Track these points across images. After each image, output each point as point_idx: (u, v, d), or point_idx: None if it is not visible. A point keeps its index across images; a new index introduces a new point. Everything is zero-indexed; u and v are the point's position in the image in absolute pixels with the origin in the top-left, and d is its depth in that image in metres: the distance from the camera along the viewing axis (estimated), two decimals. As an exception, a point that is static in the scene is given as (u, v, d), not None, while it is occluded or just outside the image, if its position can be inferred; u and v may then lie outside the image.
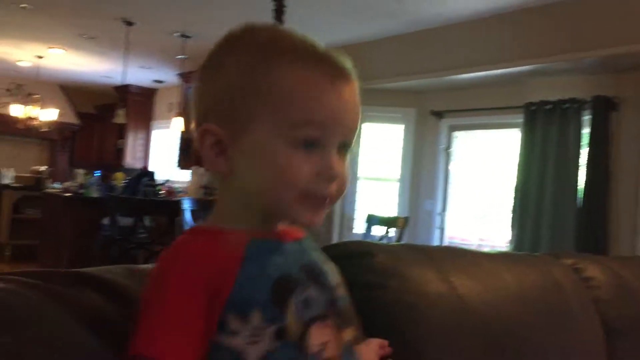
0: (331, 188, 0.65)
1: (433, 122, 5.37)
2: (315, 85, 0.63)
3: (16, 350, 0.56)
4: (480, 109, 4.92)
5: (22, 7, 5.22)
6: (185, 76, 7.18)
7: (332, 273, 0.71)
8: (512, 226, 4.48)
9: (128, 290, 0.73)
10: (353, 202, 5.69)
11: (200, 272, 0.60)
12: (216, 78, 0.66)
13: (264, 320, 0.60)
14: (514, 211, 4.47)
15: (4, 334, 0.57)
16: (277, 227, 0.69)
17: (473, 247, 4.56)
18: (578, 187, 4.10)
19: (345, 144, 0.67)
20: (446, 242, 5.27)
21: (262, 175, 0.63)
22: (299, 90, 0.63)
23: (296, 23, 4.68)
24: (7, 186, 6.90)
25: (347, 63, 0.67)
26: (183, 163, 7.90)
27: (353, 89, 0.66)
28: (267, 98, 0.63)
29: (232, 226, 0.65)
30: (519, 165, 4.46)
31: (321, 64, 0.64)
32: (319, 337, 0.63)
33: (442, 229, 5.34)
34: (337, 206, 5.59)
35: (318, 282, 0.66)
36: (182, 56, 6.14)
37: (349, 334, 0.68)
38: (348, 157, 0.68)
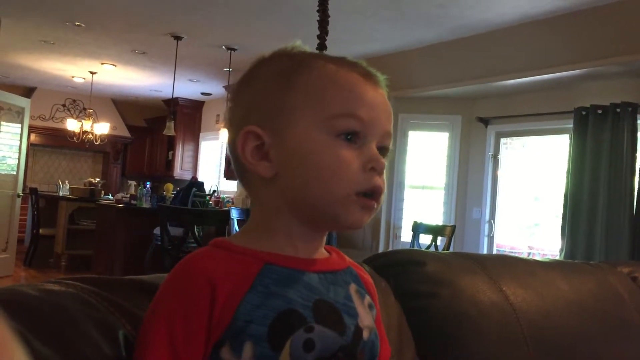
0: (379, 181, 0.62)
1: (480, 128, 5.30)
2: (352, 80, 0.63)
3: (70, 353, 0.57)
4: (528, 115, 4.83)
5: (76, 25, 5.44)
6: (231, 88, 7.31)
7: (365, 314, 0.65)
8: (563, 234, 4.36)
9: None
10: (400, 210, 5.66)
11: (205, 293, 0.57)
12: (254, 83, 0.66)
13: (254, 357, 0.56)
14: (564, 219, 4.36)
15: (61, 336, 0.58)
16: (315, 250, 0.66)
17: (524, 256, 4.46)
18: (634, 194, 3.97)
19: (383, 147, 0.65)
20: (494, 251, 5.17)
21: (310, 171, 0.61)
22: (338, 84, 0.63)
23: (340, 33, 4.73)
24: (63, 198, 7.16)
25: (377, 73, 0.67)
26: (229, 173, 8.04)
27: (384, 95, 0.66)
28: (308, 94, 0.62)
29: (255, 245, 0.62)
30: (570, 171, 4.35)
31: (354, 66, 0.65)
32: None
33: (490, 237, 5.25)
34: (384, 214, 5.57)
35: (330, 323, 0.60)
36: (228, 69, 6.26)
37: None
38: (386, 163, 0.66)
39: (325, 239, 0.68)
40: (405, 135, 5.57)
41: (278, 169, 0.62)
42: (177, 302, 0.58)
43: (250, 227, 0.66)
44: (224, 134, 6.53)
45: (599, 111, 4.20)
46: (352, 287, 0.66)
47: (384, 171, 0.64)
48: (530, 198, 5.15)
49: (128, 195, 6.53)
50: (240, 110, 0.66)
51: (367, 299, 0.68)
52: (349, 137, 0.61)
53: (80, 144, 8.35)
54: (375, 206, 0.63)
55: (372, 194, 0.62)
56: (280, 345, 0.56)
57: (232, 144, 0.66)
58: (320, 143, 0.61)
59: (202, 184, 6.26)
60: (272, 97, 0.63)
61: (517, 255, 1.69)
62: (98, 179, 8.27)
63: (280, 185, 0.62)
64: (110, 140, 9.22)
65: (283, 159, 0.62)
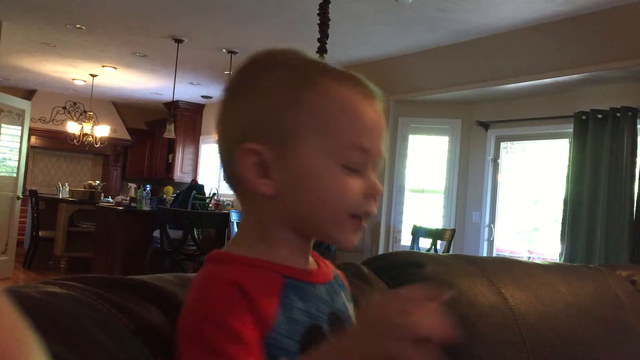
0: (374, 207, 0.64)
1: (480, 132, 5.30)
2: (357, 105, 0.63)
3: (70, 355, 0.57)
4: (528, 119, 4.83)
5: (77, 28, 5.45)
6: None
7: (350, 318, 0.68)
8: (562, 239, 4.36)
9: (177, 297, 0.76)
10: (399, 213, 5.66)
11: (246, 308, 0.57)
12: (253, 96, 0.64)
13: None
14: (564, 223, 4.36)
15: (59, 339, 0.58)
16: (308, 260, 0.67)
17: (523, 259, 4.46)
18: (633, 198, 3.97)
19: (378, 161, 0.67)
20: (494, 255, 5.17)
21: (311, 195, 0.62)
22: (345, 111, 0.62)
23: (341, 37, 4.74)
24: (63, 200, 7.16)
25: (372, 85, 0.67)
26: (230, 176, 8.03)
27: (381, 111, 0.66)
28: (314, 116, 0.62)
29: (261, 256, 0.63)
30: (569, 176, 4.35)
31: (356, 84, 0.64)
32: None
33: (490, 242, 5.25)
34: (383, 218, 5.57)
35: (342, 330, 0.64)
36: (229, 72, 6.27)
37: None
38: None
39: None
40: (405, 139, 5.58)
41: (280, 189, 0.62)
42: (221, 307, 0.57)
43: (245, 237, 0.66)
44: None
45: (599, 116, 4.20)
46: (344, 295, 0.69)
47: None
48: (530, 202, 5.15)
49: (128, 198, 6.53)
50: (237, 124, 0.65)
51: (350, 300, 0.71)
52: (353, 166, 0.62)
53: (80, 147, 8.35)
54: (364, 225, 0.65)
55: (362, 217, 0.64)
56: None
57: (226, 157, 0.65)
58: (325, 169, 0.61)
59: (202, 186, 6.27)
60: (276, 114, 0.62)
61: (516, 258, 1.69)
62: (98, 182, 8.27)
63: (281, 203, 0.63)
64: (111, 142, 9.22)
65: (286, 179, 0.62)
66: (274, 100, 0.62)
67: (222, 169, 0.67)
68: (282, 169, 0.62)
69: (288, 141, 0.62)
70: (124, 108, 9.95)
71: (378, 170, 0.66)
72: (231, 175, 0.65)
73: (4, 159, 6.26)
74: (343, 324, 0.64)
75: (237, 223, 4.79)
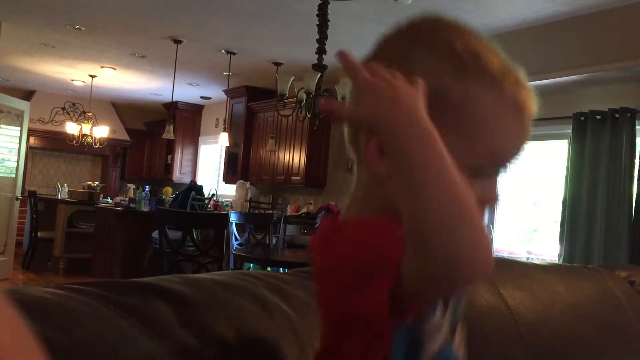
0: (484, 214, 0.61)
1: (479, 133, 5.31)
2: (506, 120, 0.59)
3: (80, 355, 0.57)
4: (527, 120, 4.83)
5: (76, 28, 5.45)
6: (230, 92, 7.32)
7: None
8: (561, 239, 4.37)
9: (187, 297, 0.76)
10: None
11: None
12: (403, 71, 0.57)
13: (441, 316, 0.58)
14: (563, 224, 4.36)
15: (69, 339, 0.59)
16: None
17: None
18: (632, 199, 3.98)
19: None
20: (493, 255, 5.17)
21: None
22: (491, 122, 0.58)
23: (340, 38, 4.74)
24: (62, 201, 7.15)
25: (533, 92, 0.63)
26: (228, 177, 8.04)
27: (532, 117, 0.62)
28: (456, 118, 0.57)
29: None
30: (568, 176, 4.35)
31: (516, 94, 0.60)
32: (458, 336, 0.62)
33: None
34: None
35: None
36: (228, 72, 6.27)
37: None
38: None
39: None
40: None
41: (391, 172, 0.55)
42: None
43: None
44: (223, 138, 6.53)
45: (598, 117, 4.21)
46: None
47: None
48: (529, 203, 5.15)
49: (127, 199, 6.53)
50: None
51: None
52: (478, 172, 0.58)
53: (79, 147, 8.35)
54: None
55: None
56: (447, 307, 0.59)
57: (354, 131, 0.62)
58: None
59: (201, 187, 6.27)
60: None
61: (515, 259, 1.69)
62: (97, 182, 8.27)
63: (385, 190, 0.56)
64: (110, 143, 9.22)
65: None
66: (430, 80, 0.55)
67: (349, 139, 0.63)
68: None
69: None
70: (123, 109, 9.95)
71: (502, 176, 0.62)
72: (355, 147, 0.62)
73: (3, 159, 6.26)
74: None
75: (235, 224, 4.77)
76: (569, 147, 4.41)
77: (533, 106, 0.62)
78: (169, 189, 6.95)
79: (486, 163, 0.59)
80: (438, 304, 0.58)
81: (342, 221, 0.61)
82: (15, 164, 6.37)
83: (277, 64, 5.99)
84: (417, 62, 0.59)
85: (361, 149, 0.58)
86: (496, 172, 0.61)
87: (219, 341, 0.72)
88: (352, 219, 0.61)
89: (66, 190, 7.64)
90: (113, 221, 5.72)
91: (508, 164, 0.61)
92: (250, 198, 7.29)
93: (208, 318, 0.74)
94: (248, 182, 7.45)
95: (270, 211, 6.44)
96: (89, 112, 8.39)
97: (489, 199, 0.60)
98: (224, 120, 7.15)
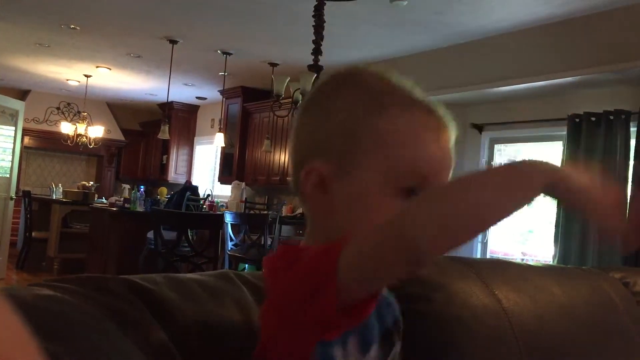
0: None
1: (474, 135, 5.32)
2: (422, 135, 0.65)
3: (65, 357, 0.57)
4: (522, 122, 4.85)
5: (72, 28, 5.44)
6: (226, 92, 7.32)
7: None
8: (556, 241, 4.38)
9: (171, 300, 0.76)
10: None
11: None
12: (326, 116, 0.66)
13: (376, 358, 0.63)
14: (557, 226, 4.38)
15: (54, 341, 0.58)
16: None
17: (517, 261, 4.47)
18: (626, 201, 3.99)
19: None
20: (488, 257, 5.18)
21: (362, 215, 0.63)
22: (408, 139, 0.64)
23: (336, 39, 4.74)
24: (56, 201, 7.13)
25: (448, 115, 0.68)
26: (224, 178, 8.03)
27: (450, 141, 0.68)
28: (379, 144, 0.63)
29: None
30: (564, 178, 4.36)
31: (430, 116, 0.66)
32: None
33: (484, 244, 5.26)
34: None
35: (399, 334, 0.71)
36: (224, 73, 6.26)
37: None
38: None
39: None
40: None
41: (334, 207, 0.65)
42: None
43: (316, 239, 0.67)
44: (218, 138, 6.53)
45: (593, 119, 4.22)
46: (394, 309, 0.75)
47: None
48: (524, 204, 5.16)
49: (122, 199, 6.52)
50: (310, 141, 0.68)
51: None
52: (407, 193, 0.63)
53: (74, 147, 8.33)
54: None
55: None
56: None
57: (295, 169, 0.69)
58: (379, 192, 0.63)
59: (196, 187, 6.26)
60: (348, 140, 0.64)
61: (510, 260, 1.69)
62: (92, 183, 8.24)
63: (335, 220, 0.65)
64: (105, 143, 9.20)
65: (341, 197, 0.64)
66: (345, 124, 0.64)
67: (292, 179, 0.70)
68: (340, 188, 0.64)
69: (349, 161, 0.64)
70: (118, 109, 9.93)
71: None
72: (296, 186, 0.69)
73: (-3, 159, 6.24)
74: (400, 328, 0.71)
75: (230, 224, 4.77)
76: (564, 148, 4.42)
77: (448, 128, 0.67)
78: (164, 190, 6.94)
79: (412, 184, 0.63)
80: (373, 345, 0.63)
81: (298, 250, 0.66)
82: (9, 164, 6.34)
83: (273, 65, 5.99)
84: (339, 99, 0.66)
85: (300, 184, 0.66)
86: None
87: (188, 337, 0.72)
88: (303, 248, 0.66)
89: (61, 190, 7.62)
90: (108, 221, 5.70)
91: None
92: (246, 199, 7.28)
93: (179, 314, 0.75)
94: (243, 183, 7.44)
95: (266, 212, 6.44)
96: (83, 112, 8.37)
97: None
98: (220, 121, 7.15)
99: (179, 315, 0.75)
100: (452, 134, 0.68)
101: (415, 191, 0.64)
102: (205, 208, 6.33)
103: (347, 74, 0.69)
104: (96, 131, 8.34)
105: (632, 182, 3.96)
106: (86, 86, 7.96)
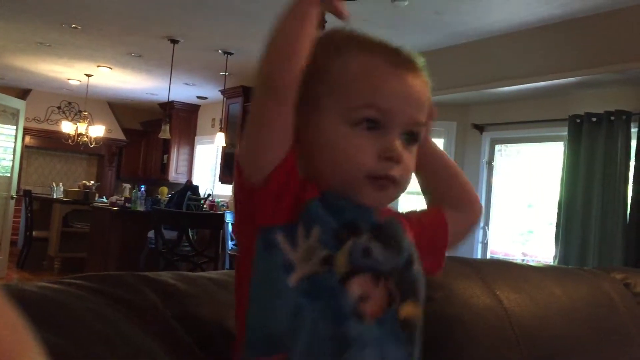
0: (394, 170, 0.65)
1: (474, 135, 5.32)
2: (377, 70, 0.65)
3: (74, 350, 0.58)
4: (523, 122, 4.85)
5: (73, 27, 5.44)
6: (227, 92, 7.32)
7: (411, 249, 0.69)
8: (556, 241, 4.38)
9: (179, 290, 0.76)
10: (394, 216, 5.66)
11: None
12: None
13: (319, 242, 0.61)
14: (558, 226, 4.37)
15: (62, 334, 0.59)
16: None
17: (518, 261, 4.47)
18: (627, 202, 3.99)
19: (411, 135, 0.67)
20: (488, 257, 5.18)
21: (326, 156, 0.65)
22: (361, 75, 0.65)
23: (337, 38, 4.74)
24: (57, 200, 7.13)
25: (417, 57, 0.69)
26: (224, 177, 8.03)
27: (418, 81, 0.67)
28: (332, 82, 0.65)
29: None
30: (564, 179, 4.36)
31: (388, 53, 0.67)
32: (362, 288, 0.62)
33: (484, 244, 5.26)
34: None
35: (387, 245, 0.66)
36: (225, 73, 6.26)
37: (407, 309, 0.66)
38: (415, 150, 0.69)
39: None
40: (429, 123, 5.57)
41: (304, 152, 0.65)
42: None
43: None
44: (219, 138, 6.53)
45: (593, 119, 4.22)
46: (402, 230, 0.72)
47: (410, 160, 0.68)
48: (525, 205, 5.17)
49: (122, 198, 6.52)
50: None
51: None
52: (369, 126, 0.64)
53: (75, 147, 8.33)
54: (392, 186, 0.67)
55: (383, 178, 0.65)
56: (342, 241, 0.63)
57: None
58: (336, 131, 0.64)
59: (196, 187, 6.26)
60: (306, 84, 0.65)
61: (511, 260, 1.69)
62: (92, 182, 8.24)
63: (307, 165, 0.66)
64: (105, 143, 9.20)
65: (308, 143, 0.65)
66: (307, 69, 0.65)
67: None
68: (306, 134, 0.65)
69: (311, 106, 0.65)
70: (119, 108, 9.93)
71: (415, 147, 0.68)
72: None
73: (-2, 158, 6.24)
74: (391, 239, 0.67)
75: (231, 224, 4.78)
76: (565, 149, 4.42)
77: (416, 68, 0.68)
78: (164, 189, 6.94)
79: (369, 115, 0.64)
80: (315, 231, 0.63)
81: None
82: (10, 163, 6.35)
83: (274, 65, 5.97)
84: (314, 48, 0.67)
85: None
86: (397, 132, 0.66)
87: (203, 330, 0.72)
88: None
89: (61, 189, 7.62)
90: (108, 221, 5.70)
91: (413, 127, 0.67)
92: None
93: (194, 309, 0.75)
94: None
95: (266, 212, 6.42)
96: (84, 112, 8.36)
97: (388, 152, 0.65)
98: (220, 121, 7.15)
99: (190, 304, 0.75)
100: (422, 78, 0.68)
101: (381, 124, 0.64)
102: (205, 208, 6.33)
103: (323, 34, 0.71)
104: (97, 130, 8.34)
105: (633, 182, 3.96)
106: (87, 85, 7.96)
